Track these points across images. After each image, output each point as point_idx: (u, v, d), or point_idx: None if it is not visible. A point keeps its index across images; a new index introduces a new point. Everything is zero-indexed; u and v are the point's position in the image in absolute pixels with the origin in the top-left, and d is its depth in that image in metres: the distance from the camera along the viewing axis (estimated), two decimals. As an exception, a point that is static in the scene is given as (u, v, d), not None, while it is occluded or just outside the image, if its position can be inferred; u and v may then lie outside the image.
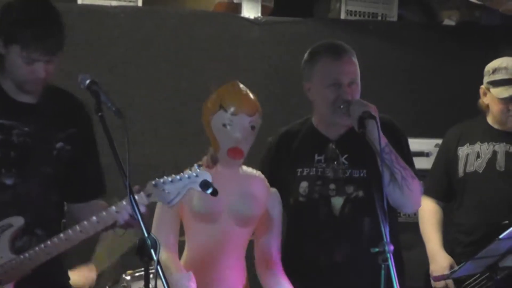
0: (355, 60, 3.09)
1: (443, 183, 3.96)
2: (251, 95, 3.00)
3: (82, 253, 4.09)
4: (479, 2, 4.97)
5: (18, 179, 2.73)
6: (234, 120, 2.93)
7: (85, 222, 2.63)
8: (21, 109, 2.77)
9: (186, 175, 2.58)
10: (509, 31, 5.47)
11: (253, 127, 2.97)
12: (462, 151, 3.88)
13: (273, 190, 3.08)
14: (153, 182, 2.59)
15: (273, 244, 3.05)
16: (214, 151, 2.98)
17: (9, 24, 2.69)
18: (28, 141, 2.75)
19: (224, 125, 2.93)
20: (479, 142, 3.86)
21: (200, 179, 2.58)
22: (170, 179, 2.59)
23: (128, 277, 4.03)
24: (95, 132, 2.95)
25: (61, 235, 2.66)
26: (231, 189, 2.96)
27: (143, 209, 2.56)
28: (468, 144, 3.88)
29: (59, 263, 2.92)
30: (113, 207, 2.62)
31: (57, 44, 2.72)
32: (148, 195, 2.58)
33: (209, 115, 2.97)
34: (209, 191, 2.58)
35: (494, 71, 3.81)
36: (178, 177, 2.59)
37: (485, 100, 3.88)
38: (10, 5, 2.75)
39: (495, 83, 3.79)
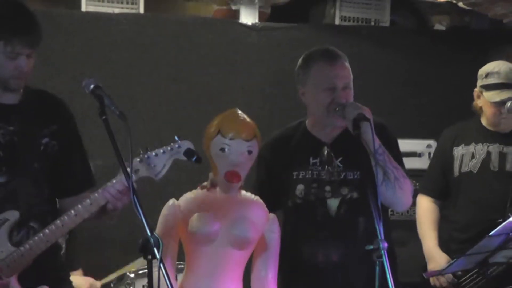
0: (348, 65, 3.09)
1: (439, 182, 3.95)
2: (250, 121, 2.98)
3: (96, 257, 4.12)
4: (468, 8, 4.98)
5: (10, 177, 2.73)
6: (231, 145, 2.90)
7: (79, 206, 2.64)
8: (3, 110, 2.77)
9: (169, 148, 2.60)
10: (498, 35, 5.49)
11: (250, 152, 2.93)
12: (457, 151, 3.88)
13: (272, 215, 3.05)
14: (138, 159, 2.60)
15: (269, 269, 3.01)
16: (213, 176, 2.98)
17: None
18: (14, 139, 2.75)
19: (222, 149, 2.90)
20: (473, 142, 3.85)
21: (183, 149, 2.60)
22: (154, 153, 2.60)
23: (132, 275, 4.03)
24: (78, 128, 2.95)
25: (57, 221, 2.66)
26: (229, 213, 2.94)
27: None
28: (463, 144, 3.87)
29: (58, 257, 2.95)
30: (104, 188, 2.63)
31: (37, 37, 2.74)
32: (136, 171, 2.59)
33: (209, 140, 2.96)
34: (194, 158, 2.58)
35: (487, 75, 3.80)
36: (161, 150, 2.60)
37: (478, 102, 3.87)
38: None
39: (488, 87, 3.79)
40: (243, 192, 3.05)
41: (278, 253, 3.03)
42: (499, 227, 3.25)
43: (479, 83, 3.85)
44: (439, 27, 5.83)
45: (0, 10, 2.74)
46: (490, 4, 4.61)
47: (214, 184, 2.98)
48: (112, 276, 4.20)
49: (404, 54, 5.47)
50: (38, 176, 2.80)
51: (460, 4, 4.96)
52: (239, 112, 2.99)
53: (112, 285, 4.13)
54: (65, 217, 2.65)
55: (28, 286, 2.70)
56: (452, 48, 5.48)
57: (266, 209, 3.04)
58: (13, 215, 2.69)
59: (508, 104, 3.70)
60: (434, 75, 5.42)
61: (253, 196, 3.06)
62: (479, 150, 3.82)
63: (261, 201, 3.05)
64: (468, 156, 3.83)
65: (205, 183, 2.99)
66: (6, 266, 2.65)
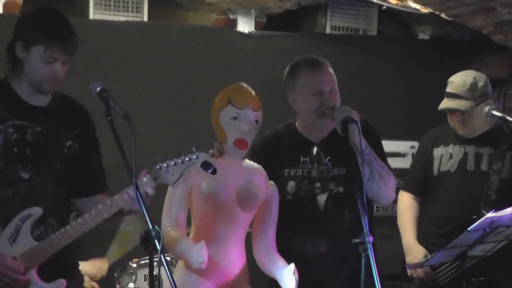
0: (331, 71, 3.12)
1: (420, 180, 3.96)
2: (255, 94, 3.05)
3: (97, 248, 4.11)
4: (450, 19, 4.99)
5: (34, 174, 2.72)
6: (241, 114, 2.96)
7: (100, 206, 2.65)
8: (33, 111, 2.75)
9: (187, 158, 2.61)
10: (477, 45, 5.50)
11: (257, 121, 3.01)
12: (437, 152, 3.88)
13: (272, 182, 3.09)
14: (158, 166, 2.61)
15: (270, 231, 3.06)
16: (220, 143, 3.00)
17: (30, 29, 2.70)
18: (41, 139, 2.74)
19: (232, 118, 2.96)
20: (452, 144, 3.84)
21: (200, 160, 2.61)
22: (173, 162, 2.61)
23: (134, 265, 4.04)
24: (97, 134, 2.94)
25: (79, 219, 2.67)
26: (237, 177, 2.98)
27: (151, 191, 2.60)
28: (442, 146, 3.87)
29: (71, 252, 2.93)
30: (124, 191, 2.64)
31: (74, 46, 2.74)
32: (155, 178, 2.61)
33: (218, 111, 3.00)
34: (210, 170, 2.61)
35: (447, 83, 3.83)
36: (180, 160, 2.61)
37: None
38: (28, 14, 2.81)
39: (445, 95, 3.82)
40: (247, 160, 3.09)
41: (277, 216, 3.08)
42: (477, 223, 3.26)
43: None
44: (423, 36, 5.84)
45: (42, 17, 2.75)
46: (471, 16, 4.62)
47: (221, 152, 3.00)
48: (115, 254, 4.19)
49: (390, 61, 5.49)
50: (59, 176, 2.79)
51: (443, 15, 4.97)
52: (245, 85, 3.06)
53: (115, 274, 4.14)
54: (86, 216, 2.66)
55: (46, 278, 2.70)
56: (434, 56, 5.49)
57: (267, 176, 3.08)
58: (36, 212, 2.68)
59: (486, 109, 3.71)
60: (417, 81, 5.43)
61: (255, 164, 3.10)
62: (457, 151, 3.82)
63: (263, 169, 3.09)
64: (446, 156, 3.84)
65: (211, 151, 3.00)
66: (28, 258, 2.65)
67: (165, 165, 2.61)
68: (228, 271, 2.99)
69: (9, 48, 2.74)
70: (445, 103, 3.79)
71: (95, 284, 4.08)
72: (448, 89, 3.80)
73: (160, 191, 2.80)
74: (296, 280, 2.84)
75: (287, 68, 3.18)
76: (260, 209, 3.04)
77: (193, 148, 2.63)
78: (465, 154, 3.80)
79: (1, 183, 2.68)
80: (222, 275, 2.98)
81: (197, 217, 3.02)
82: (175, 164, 2.61)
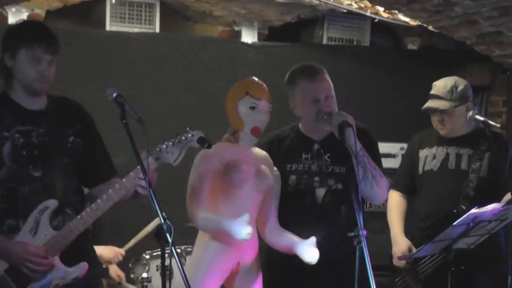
0: (327, 77, 3.11)
1: (407, 179, 3.96)
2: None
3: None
4: (436, 30, 4.99)
5: (45, 171, 2.73)
6: (259, 104, 2.99)
7: (110, 191, 2.66)
8: (33, 115, 2.77)
9: (183, 137, 2.63)
10: (462, 55, 5.50)
11: (269, 112, 3.04)
12: (422, 153, 3.89)
13: (275, 168, 3.11)
14: (158, 148, 2.63)
15: (274, 210, 3.09)
16: (236, 130, 3.01)
17: (13, 38, 2.73)
18: (46, 139, 2.75)
19: (251, 108, 2.98)
20: (436, 146, 3.85)
21: (196, 137, 2.63)
22: (171, 143, 2.63)
23: (147, 256, 4.03)
24: (96, 126, 2.94)
25: (92, 205, 2.68)
26: (253, 161, 3.00)
27: (153, 165, 2.62)
28: (427, 147, 3.88)
29: (88, 239, 2.95)
30: (130, 174, 2.65)
31: (55, 45, 2.75)
32: (157, 159, 2.63)
33: (235, 101, 3.00)
34: (206, 145, 2.63)
35: (432, 86, 3.85)
36: (177, 140, 2.63)
37: None
38: (10, 27, 2.84)
39: (429, 97, 3.83)
40: (256, 147, 3.10)
41: (279, 196, 3.10)
42: (461, 218, 3.25)
43: None
44: (411, 47, 5.85)
45: (22, 26, 2.83)
46: (456, 28, 4.62)
47: (237, 138, 3.02)
48: (131, 242, 4.19)
49: (381, 70, 5.49)
50: (68, 170, 2.81)
51: (430, 27, 4.97)
52: (257, 79, 3.09)
53: (130, 265, 4.14)
54: (99, 201, 2.67)
55: (68, 264, 2.71)
56: (422, 65, 5.49)
57: (272, 162, 3.10)
58: (53, 204, 2.69)
59: (470, 113, 3.72)
60: (407, 88, 5.43)
61: (263, 151, 3.12)
62: (440, 152, 3.83)
63: (269, 155, 3.11)
64: (430, 157, 3.85)
65: (224, 136, 3.03)
66: (50, 247, 2.66)
67: (164, 146, 2.63)
68: (248, 250, 3.01)
69: (0, 62, 2.76)
70: (427, 103, 3.82)
71: (121, 273, 4.10)
72: (431, 91, 3.84)
73: (164, 188, 2.79)
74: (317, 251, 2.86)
75: (286, 76, 3.18)
76: (268, 192, 3.06)
77: (187, 128, 2.65)
78: (447, 154, 3.81)
79: (18, 183, 2.70)
80: (243, 253, 2.99)
81: (217, 196, 2.99)
82: (173, 144, 2.63)
